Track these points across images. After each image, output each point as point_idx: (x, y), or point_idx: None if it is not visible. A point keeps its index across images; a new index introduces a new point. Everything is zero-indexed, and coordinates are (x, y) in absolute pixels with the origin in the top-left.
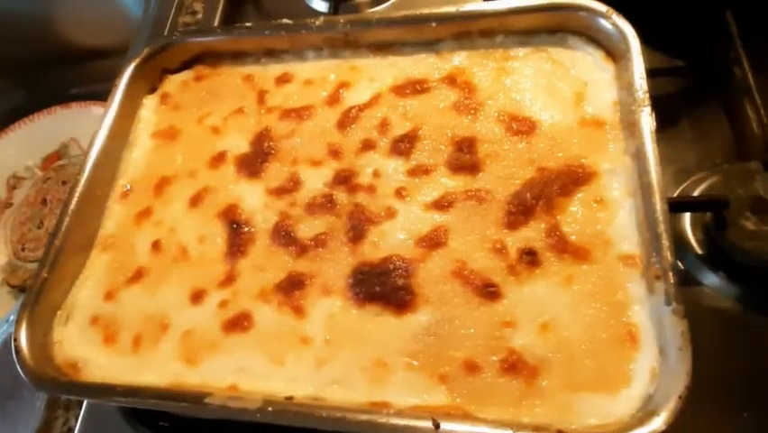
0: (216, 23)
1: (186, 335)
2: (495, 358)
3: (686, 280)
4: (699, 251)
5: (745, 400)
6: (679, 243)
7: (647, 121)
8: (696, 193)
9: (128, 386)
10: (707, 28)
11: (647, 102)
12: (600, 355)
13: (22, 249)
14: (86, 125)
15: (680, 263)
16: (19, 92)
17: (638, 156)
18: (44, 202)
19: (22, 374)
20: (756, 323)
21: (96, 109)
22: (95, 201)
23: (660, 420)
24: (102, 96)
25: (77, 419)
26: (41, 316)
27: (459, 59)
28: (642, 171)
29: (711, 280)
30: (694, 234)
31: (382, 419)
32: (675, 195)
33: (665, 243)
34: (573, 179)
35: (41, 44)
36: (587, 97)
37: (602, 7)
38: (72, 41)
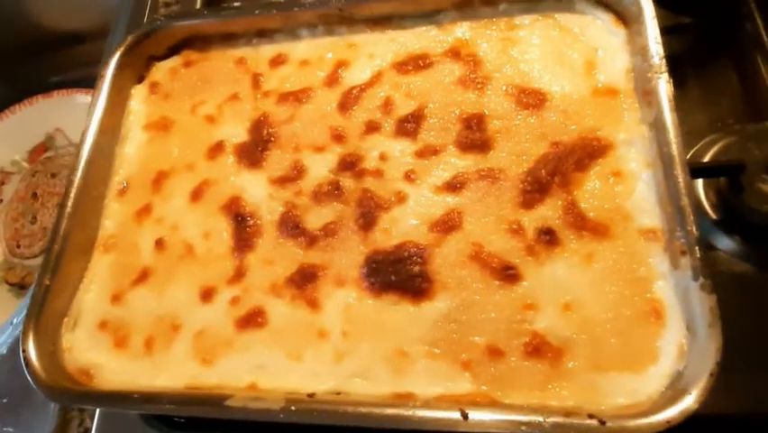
0: (199, 4)
1: (199, 334)
2: (518, 342)
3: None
4: (713, 215)
5: None
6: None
7: (665, 88)
8: (708, 155)
9: (145, 393)
10: None
11: (664, 68)
12: (625, 333)
13: (18, 246)
14: (71, 115)
15: None
16: None
17: (656, 126)
18: (35, 196)
19: (36, 387)
20: None
21: (79, 97)
22: (91, 201)
23: (691, 399)
24: (84, 83)
25: (92, 418)
26: (47, 324)
27: (462, 30)
28: (662, 142)
29: (726, 244)
30: (707, 198)
31: (409, 412)
32: (686, 159)
33: (690, 217)
34: (588, 152)
35: (14, 31)
36: (598, 65)
37: None
38: (47, 26)
